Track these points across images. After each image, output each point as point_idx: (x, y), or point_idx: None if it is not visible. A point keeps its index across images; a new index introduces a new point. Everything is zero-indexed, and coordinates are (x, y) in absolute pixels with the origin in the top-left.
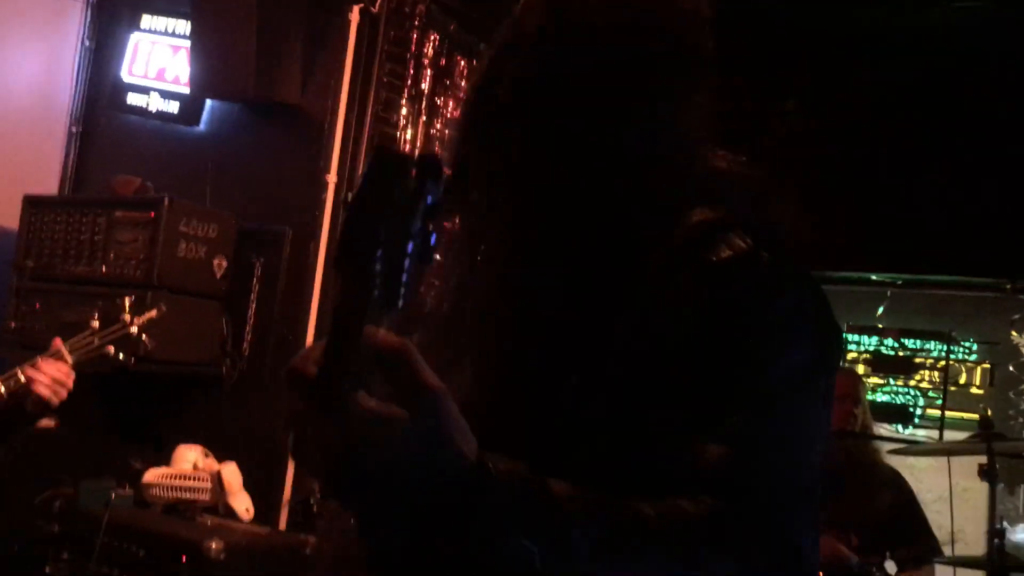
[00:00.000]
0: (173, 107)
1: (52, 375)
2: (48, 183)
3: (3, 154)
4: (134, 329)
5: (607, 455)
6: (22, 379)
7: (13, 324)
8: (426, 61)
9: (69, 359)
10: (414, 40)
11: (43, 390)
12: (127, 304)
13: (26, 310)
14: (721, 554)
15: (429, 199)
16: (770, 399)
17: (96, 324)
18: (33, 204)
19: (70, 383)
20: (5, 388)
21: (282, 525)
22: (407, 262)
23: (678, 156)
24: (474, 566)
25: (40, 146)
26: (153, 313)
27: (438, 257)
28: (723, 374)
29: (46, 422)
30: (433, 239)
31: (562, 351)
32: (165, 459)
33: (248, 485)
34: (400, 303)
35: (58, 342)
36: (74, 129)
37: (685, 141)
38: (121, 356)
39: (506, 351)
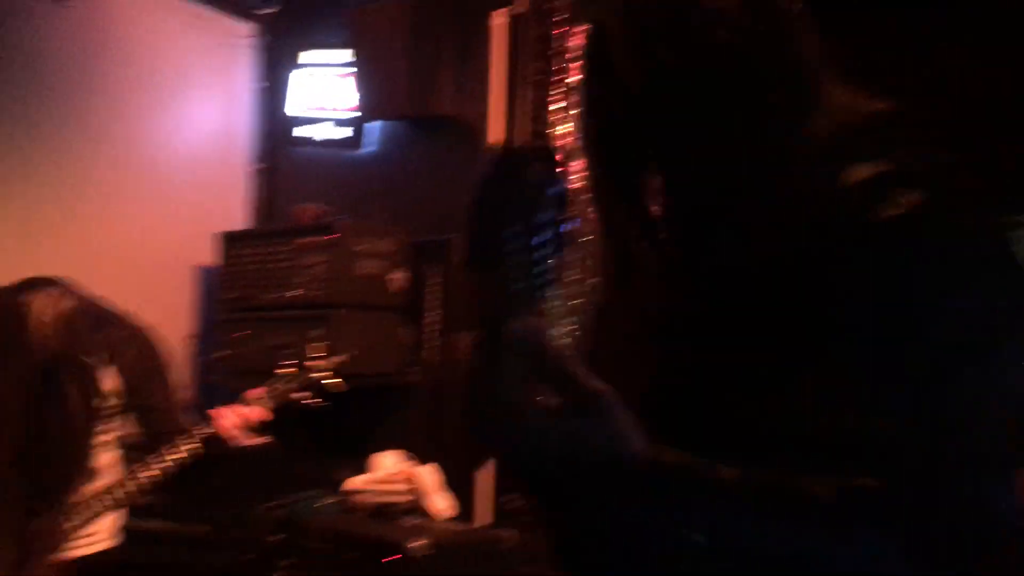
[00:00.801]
0: (338, 134)
1: (231, 427)
2: (237, 219)
3: (195, 195)
4: (326, 375)
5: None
6: (211, 429)
7: (224, 352)
8: (571, 55)
9: (270, 405)
10: (559, 36)
11: (228, 431)
12: (318, 351)
13: (233, 338)
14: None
15: (551, 190)
16: (960, 363)
17: (291, 371)
18: (229, 240)
19: (250, 428)
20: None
21: (484, 521)
22: (541, 253)
23: (823, 104)
24: (647, 558)
25: (227, 185)
26: (343, 359)
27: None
28: (907, 339)
29: (257, 440)
30: (565, 228)
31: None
32: (366, 467)
33: (446, 485)
34: (541, 295)
35: (260, 391)
36: (256, 166)
37: (826, 84)
38: (312, 400)
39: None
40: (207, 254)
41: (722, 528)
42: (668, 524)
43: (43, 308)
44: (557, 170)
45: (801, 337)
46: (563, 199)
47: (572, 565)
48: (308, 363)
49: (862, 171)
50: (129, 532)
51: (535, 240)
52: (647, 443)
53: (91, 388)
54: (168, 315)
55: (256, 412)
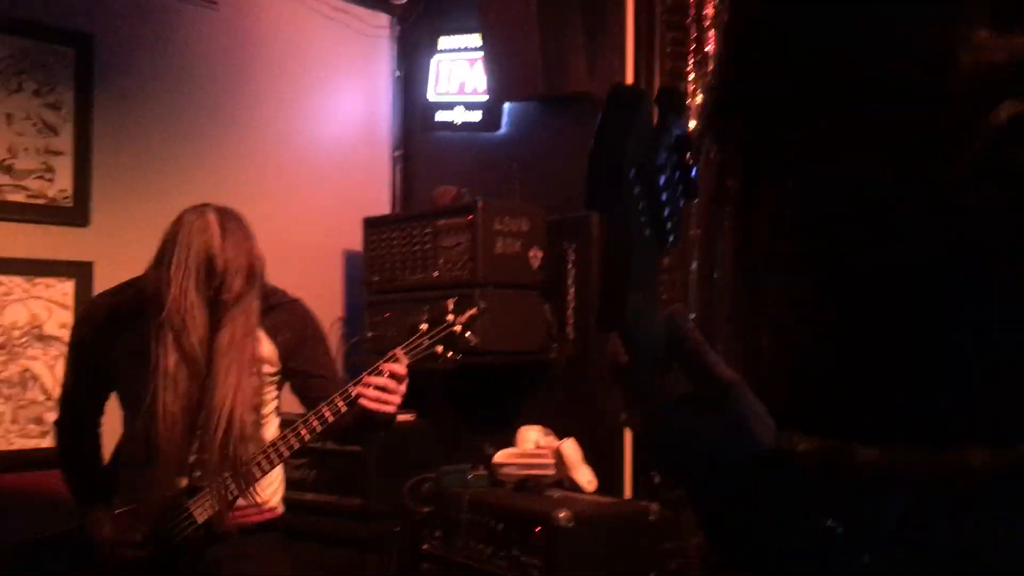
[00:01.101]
0: (475, 117)
1: (373, 392)
2: (380, 204)
3: (341, 183)
4: (458, 328)
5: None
6: (352, 394)
7: (370, 334)
8: (707, 23)
9: (405, 361)
10: (692, 3)
11: (369, 404)
12: (450, 305)
13: (379, 320)
14: None
15: (675, 132)
16: None
17: (425, 327)
18: (371, 224)
19: (397, 394)
20: (344, 405)
21: (626, 495)
22: (667, 196)
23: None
24: (785, 548)
25: (369, 172)
26: (474, 311)
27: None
28: None
29: (404, 416)
30: (694, 173)
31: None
32: (510, 441)
33: (589, 459)
34: (671, 240)
35: (395, 351)
36: (396, 153)
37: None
38: (449, 354)
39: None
40: (353, 239)
41: (863, 516)
42: (804, 514)
43: None
44: (681, 114)
45: (941, 307)
46: (689, 143)
47: (718, 542)
48: (441, 319)
49: (1011, 108)
50: (287, 502)
51: (661, 179)
52: (777, 433)
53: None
54: (319, 299)
55: (396, 368)
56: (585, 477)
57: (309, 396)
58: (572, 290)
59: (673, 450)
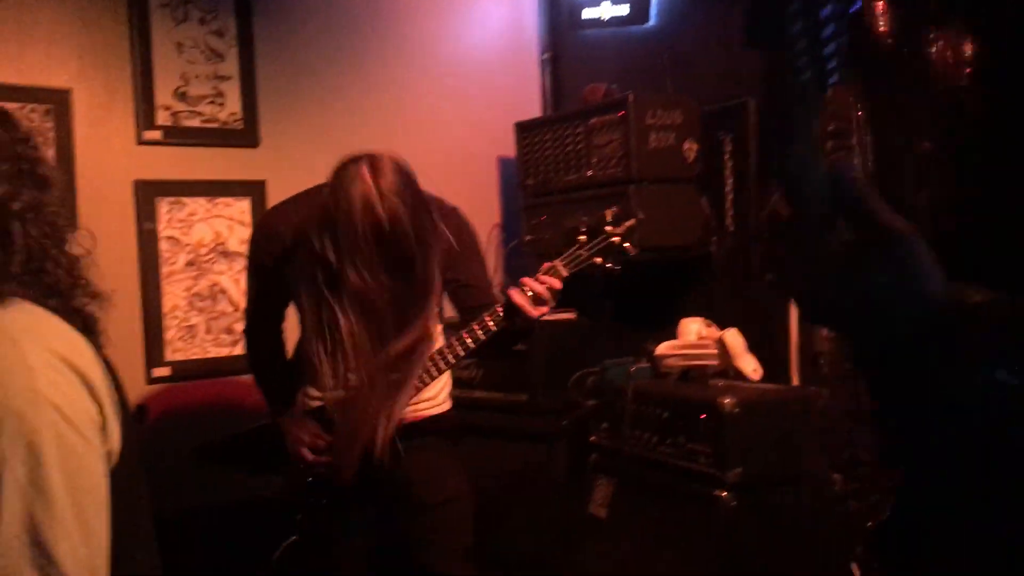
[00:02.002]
0: (623, 11)
1: (526, 297)
2: (531, 107)
3: (490, 89)
4: (616, 239)
5: None
6: (511, 303)
7: (527, 238)
8: None
9: (564, 272)
10: None
11: (521, 302)
12: (609, 216)
13: (535, 223)
14: None
15: None
16: None
17: (583, 238)
18: (523, 129)
19: (549, 305)
20: (502, 310)
21: (794, 382)
22: (832, 30)
23: None
24: (956, 401)
25: (519, 76)
26: (632, 222)
27: None
28: None
29: (565, 315)
30: (853, 9)
31: None
32: (671, 335)
33: (753, 349)
34: (831, 82)
35: (555, 263)
36: (544, 55)
37: None
38: (608, 264)
39: None
40: (507, 145)
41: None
42: (975, 364)
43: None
44: None
45: None
46: None
47: (886, 417)
48: (599, 230)
49: None
50: (455, 400)
51: (825, 10)
52: (949, 283)
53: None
54: (475, 206)
55: (554, 281)
56: (750, 366)
57: (463, 305)
58: (730, 181)
59: (839, 303)
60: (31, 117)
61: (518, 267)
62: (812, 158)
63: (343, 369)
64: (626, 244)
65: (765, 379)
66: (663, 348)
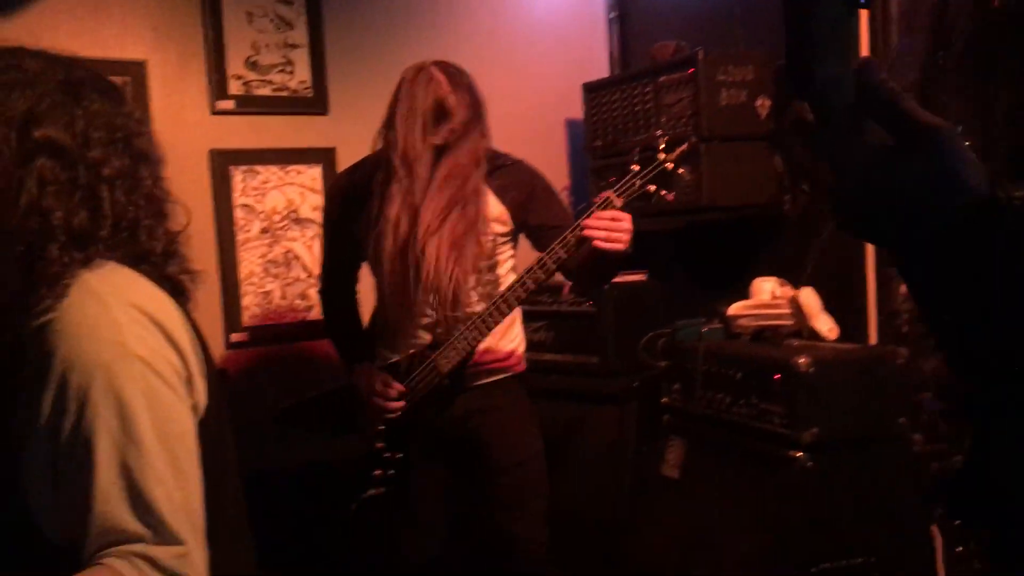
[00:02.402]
0: None
1: (599, 223)
2: (598, 68)
3: (557, 51)
4: (669, 165)
5: None
6: (579, 233)
7: (596, 200)
8: None
9: (618, 202)
10: None
11: (600, 243)
12: (661, 143)
13: (603, 185)
14: None
15: None
16: None
17: (636, 167)
18: (591, 90)
19: (625, 224)
20: (567, 246)
21: (871, 341)
22: None
23: None
24: (993, 298)
25: (586, 36)
26: (684, 146)
27: None
28: None
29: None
30: None
31: None
32: (743, 296)
33: (829, 308)
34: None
35: (608, 193)
36: (611, 14)
37: None
38: (663, 192)
39: None
40: (574, 107)
41: None
42: (1004, 263)
43: None
44: None
45: None
46: None
47: (924, 301)
48: (652, 157)
49: None
50: (529, 362)
51: None
52: (991, 179)
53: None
54: (543, 168)
55: (610, 211)
56: (826, 325)
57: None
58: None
59: (873, 204)
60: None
61: None
62: (842, 76)
63: (399, 309)
64: (680, 170)
65: (841, 339)
66: (735, 308)
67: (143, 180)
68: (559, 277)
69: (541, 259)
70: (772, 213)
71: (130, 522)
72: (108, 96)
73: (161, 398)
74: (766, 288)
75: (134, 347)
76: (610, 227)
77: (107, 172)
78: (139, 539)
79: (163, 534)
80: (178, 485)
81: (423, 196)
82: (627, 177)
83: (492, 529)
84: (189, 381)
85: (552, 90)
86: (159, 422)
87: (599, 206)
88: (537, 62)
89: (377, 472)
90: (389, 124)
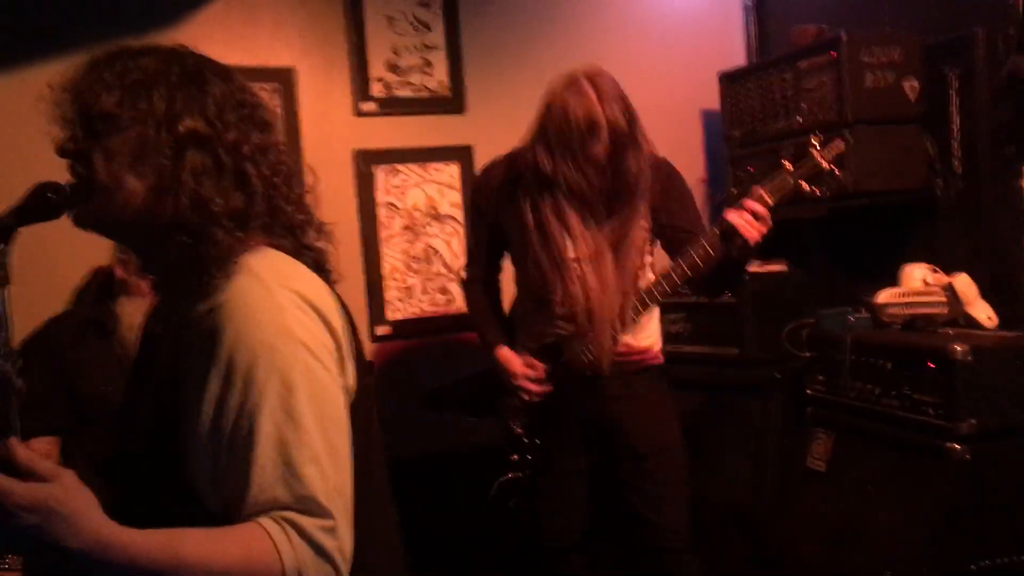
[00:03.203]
0: None
1: (748, 218)
2: (735, 57)
3: (693, 40)
4: (824, 164)
5: None
6: (725, 225)
7: (735, 191)
8: None
9: (770, 200)
10: None
11: (738, 225)
12: (815, 141)
13: (742, 175)
14: None
15: None
16: None
17: (788, 165)
18: (727, 79)
19: (764, 224)
20: (714, 238)
21: None
22: None
23: None
24: None
25: (721, 24)
26: (841, 147)
27: None
28: None
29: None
30: None
31: None
32: (890, 282)
33: (984, 295)
34: None
35: (759, 188)
36: (748, 1)
37: None
38: (816, 191)
39: None
40: (709, 97)
41: None
42: None
43: None
44: None
45: None
46: None
47: None
48: (806, 156)
49: None
50: (667, 354)
51: None
52: None
53: None
54: (679, 160)
55: (759, 208)
56: (984, 313)
57: (679, 251)
58: (957, 119)
59: None
60: (260, 95)
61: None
62: None
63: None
64: (836, 170)
65: (1000, 327)
66: (884, 296)
67: (276, 148)
68: None
69: (686, 255)
70: (922, 198)
71: (284, 495)
72: (224, 76)
73: (320, 380)
74: (917, 275)
75: (295, 330)
76: (751, 219)
77: (247, 150)
78: (291, 508)
79: (313, 509)
80: (332, 464)
81: (581, 213)
82: (780, 174)
83: (632, 517)
84: (342, 364)
85: (687, 81)
86: (317, 403)
87: (751, 198)
88: (671, 53)
89: (514, 456)
90: (541, 137)
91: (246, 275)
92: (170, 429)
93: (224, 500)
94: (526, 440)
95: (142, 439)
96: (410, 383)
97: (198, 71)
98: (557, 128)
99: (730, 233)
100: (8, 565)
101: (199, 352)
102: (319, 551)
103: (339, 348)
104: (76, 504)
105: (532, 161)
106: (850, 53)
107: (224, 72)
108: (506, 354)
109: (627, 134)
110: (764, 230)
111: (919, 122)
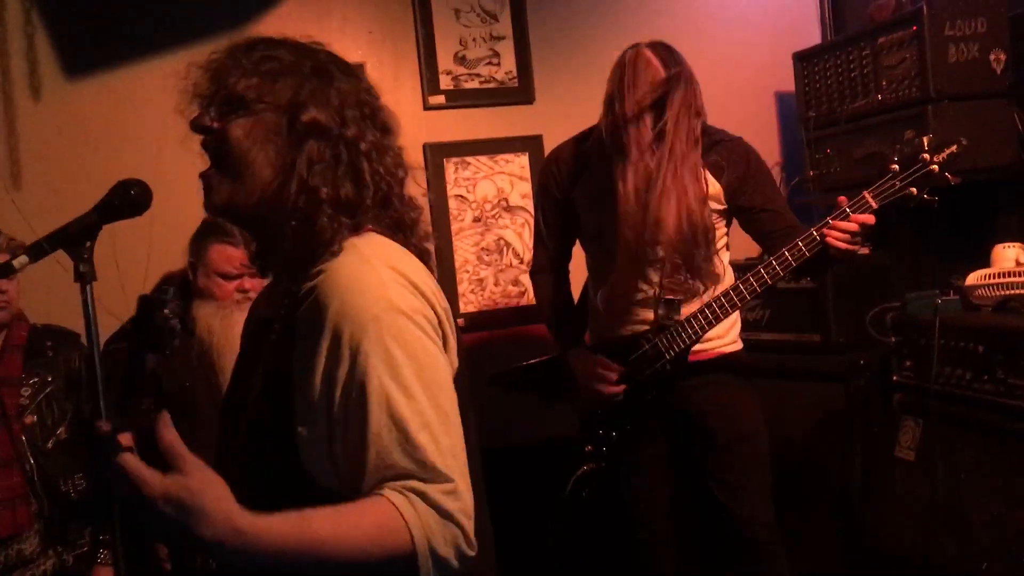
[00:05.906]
0: None
1: (839, 236)
2: (810, 36)
3: (765, 20)
4: (935, 167)
5: None
6: (816, 237)
7: (812, 173)
8: None
9: (874, 204)
10: None
11: (836, 244)
12: (926, 143)
13: (820, 157)
14: None
15: None
16: None
17: (896, 167)
18: (802, 59)
19: (864, 237)
20: (808, 244)
21: None
22: None
23: None
24: None
25: (795, 4)
26: (954, 148)
27: None
28: None
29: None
30: None
31: None
32: (980, 263)
33: None
34: None
35: (864, 194)
36: None
37: None
38: (925, 195)
39: None
40: (783, 78)
41: None
42: None
43: None
44: None
45: None
46: None
47: None
48: (915, 158)
49: None
50: (744, 342)
51: None
52: None
53: None
54: (754, 143)
55: (866, 217)
56: None
57: (763, 230)
58: None
59: None
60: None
61: (802, 205)
62: None
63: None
64: (947, 173)
65: None
66: (974, 278)
67: (392, 150)
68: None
69: (780, 255)
70: (1012, 174)
71: (402, 460)
72: (351, 75)
73: (425, 347)
74: (1009, 255)
75: (398, 302)
76: (850, 236)
77: (364, 147)
78: (411, 476)
79: (432, 474)
80: (443, 429)
81: (650, 171)
82: (886, 178)
83: (716, 508)
84: (445, 341)
85: (760, 62)
86: (424, 370)
87: (852, 204)
88: (744, 34)
89: (588, 448)
90: (609, 107)
91: (350, 254)
92: (284, 407)
93: (343, 473)
94: (601, 432)
95: (254, 423)
96: (484, 375)
97: (327, 67)
98: (623, 94)
99: (824, 250)
100: (102, 559)
101: (307, 328)
102: (444, 514)
103: (441, 324)
104: (210, 494)
105: (606, 135)
106: (932, 26)
107: (353, 72)
108: (579, 359)
109: (687, 101)
110: (859, 243)
111: (1006, 96)
